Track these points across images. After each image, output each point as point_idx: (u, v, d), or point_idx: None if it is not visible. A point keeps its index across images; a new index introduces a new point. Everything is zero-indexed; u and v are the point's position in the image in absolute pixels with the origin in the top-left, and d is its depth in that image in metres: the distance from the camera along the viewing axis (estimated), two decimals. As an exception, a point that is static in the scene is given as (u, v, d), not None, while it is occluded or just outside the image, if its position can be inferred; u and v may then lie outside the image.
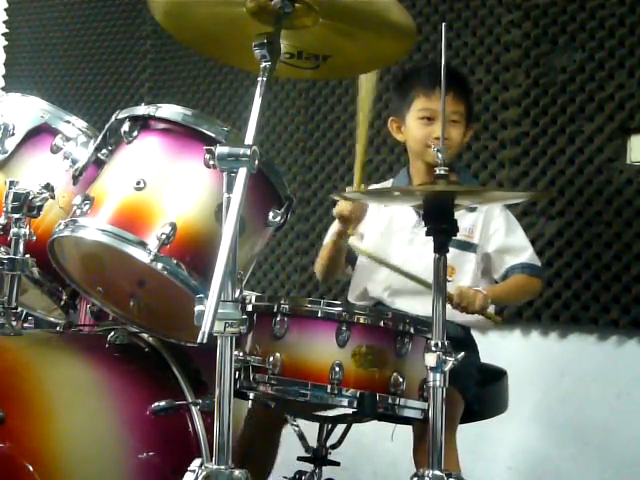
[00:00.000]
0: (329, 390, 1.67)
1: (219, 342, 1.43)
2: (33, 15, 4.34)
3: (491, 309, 2.14)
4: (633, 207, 2.71)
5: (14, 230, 1.83)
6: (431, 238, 1.68)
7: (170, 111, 1.79)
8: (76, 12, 4.21)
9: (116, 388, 1.86)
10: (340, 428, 1.98)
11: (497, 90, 2.97)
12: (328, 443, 1.90)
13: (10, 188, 1.84)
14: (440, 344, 1.62)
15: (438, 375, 1.61)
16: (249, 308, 1.76)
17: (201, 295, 1.37)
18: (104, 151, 1.84)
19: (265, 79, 1.55)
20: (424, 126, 2.25)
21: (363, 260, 2.33)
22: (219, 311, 1.34)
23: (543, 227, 2.84)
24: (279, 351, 1.70)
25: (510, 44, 2.96)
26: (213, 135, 1.74)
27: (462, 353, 1.64)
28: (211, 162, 1.48)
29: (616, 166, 2.76)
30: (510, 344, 2.89)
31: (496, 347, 2.68)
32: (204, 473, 1.43)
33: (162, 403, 1.82)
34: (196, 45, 1.97)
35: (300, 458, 1.96)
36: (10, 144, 1.96)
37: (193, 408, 1.87)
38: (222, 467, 1.42)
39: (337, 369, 1.67)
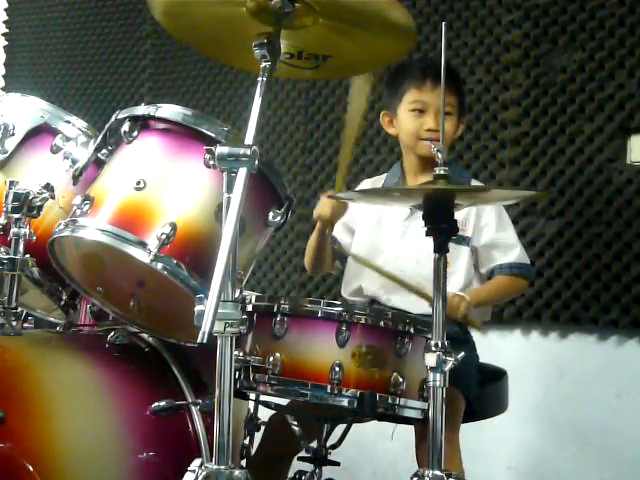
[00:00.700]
0: (329, 390, 1.67)
1: (219, 342, 1.43)
2: (33, 15, 4.34)
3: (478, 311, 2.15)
4: (633, 207, 2.71)
5: (14, 230, 1.83)
6: (423, 231, 1.68)
7: (170, 111, 1.79)
8: (76, 12, 4.21)
9: (116, 388, 1.86)
10: (340, 428, 1.98)
11: (497, 90, 2.97)
12: (328, 443, 1.90)
13: (10, 188, 1.83)
14: (440, 344, 1.62)
15: (438, 375, 1.61)
16: (249, 308, 1.76)
17: (201, 295, 1.37)
18: (104, 151, 1.84)
19: (265, 79, 1.56)
20: (415, 118, 2.25)
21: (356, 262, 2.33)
22: (219, 311, 1.34)
23: (543, 227, 2.84)
24: (279, 351, 1.69)
25: (510, 44, 2.96)
26: (213, 135, 1.74)
27: (462, 353, 1.64)
28: (211, 162, 1.48)
29: (616, 166, 2.76)
30: (510, 344, 2.89)
31: (496, 347, 2.69)
32: (204, 473, 1.43)
33: (162, 403, 1.82)
34: (196, 45, 1.98)
35: (300, 458, 1.97)
36: (10, 144, 1.96)
37: (193, 408, 1.87)
38: (222, 467, 1.42)
39: (337, 369, 1.67)
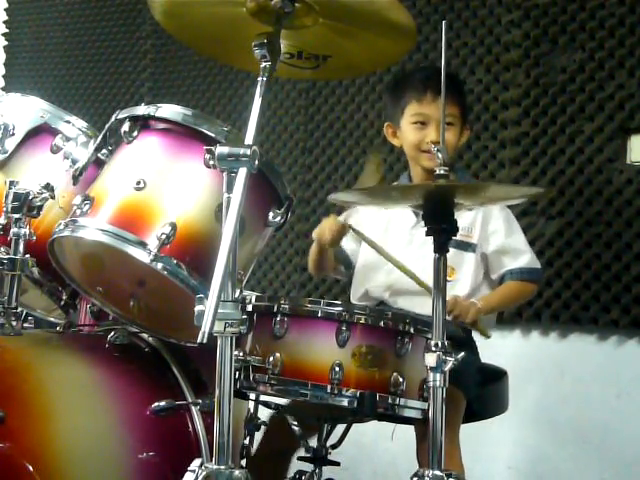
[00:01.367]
0: (329, 390, 1.67)
1: (219, 342, 1.43)
2: (33, 15, 4.34)
3: (487, 319, 2.17)
4: (633, 207, 2.71)
5: (14, 230, 1.83)
6: (430, 239, 1.68)
7: (170, 111, 1.79)
8: (76, 12, 4.21)
9: (116, 388, 1.86)
10: (340, 428, 1.98)
11: (497, 90, 2.97)
12: (328, 443, 1.90)
13: (10, 188, 1.83)
14: (440, 344, 1.62)
15: (438, 375, 1.61)
16: (249, 308, 1.76)
17: (201, 295, 1.37)
18: (104, 151, 1.84)
19: (265, 79, 1.56)
20: (418, 131, 2.26)
21: (363, 262, 2.34)
22: (219, 311, 1.34)
23: (543, 227, 2.84)
24: (279, 351, 1.69)
25: (510, 44, 2.96)
26: (213, 135, 1.74)
27: (462, 353, 1.64)
28: (211, 162, 1.48)
29: (616, 166, 2.76)
30: (510, 344, 2.89)
31: (496, 347, 2.68)
32: (204, 473, 1.43)
33: (162, 403, 1.82)
34: (196, 45, 1.98)
35: (300, 458, 1.96)
36: (10, 144, 1.95)
37: (193, 408, 1.87)
38: (222, 467, 1.42)
39: (337, 369, 1.67)
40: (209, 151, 1.49)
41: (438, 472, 1.61)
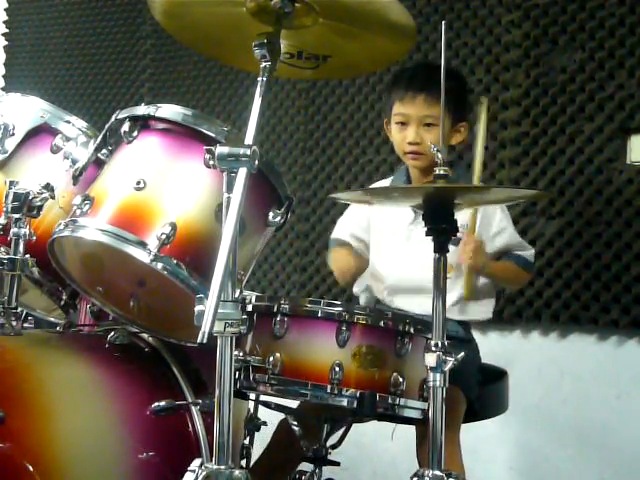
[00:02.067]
0: (329, 390, 1.67)
1: (219, 342, 1.43)
2: (33, 15, 4.34)
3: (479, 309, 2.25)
4: (633, 207, 2.71)
5: (14, 230, 1.82)
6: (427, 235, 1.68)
7: (170, 111, 1.79)
8: (76, 12, 4.20)
9: (116, 388, 1.86)
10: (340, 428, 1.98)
11: (497, 90, 2.97)
12: (328, 443, 1.90)
13: (10, 188, 1.83)
14: (440, 344, 1.62)
15: (438, 375, 1.62)
16: (249, 308, 1.76)
17: (201, 295, 1.37)
18: (104, 151, 1.84)
19: (265, 79, 1.56)
20: (399, 131, 2.27)
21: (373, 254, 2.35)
22: (219, 311, 1.34)
23: (543, 227, 2.84)
24: (279, 351, 1.69)
25: (510, 44, 2.96)
26: (213, 135, 1.74)
27: (462, 353, 1.64)
28: (211, 162, 1.48)
29: (616, 166, 2.76)
30: (510, 344, 2.89)
31: (496, 347, 2.68)
32: (204, 473, 1.43)
33: (162, 403, 1.82)
34: (196, 45, 1.98)
35: (300, 458, 1.96)
36: (10, 144, 1.95)
37: (193, 408, 1.87)
38: (222, 467, 1.42)
39: (337, 369, 1.67)
40: (209, 151, 1.49)
41: (438, 472, 1.61)
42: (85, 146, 1.92)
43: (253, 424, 2.10)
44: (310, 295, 3.28)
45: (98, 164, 1.86)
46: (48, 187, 1.87)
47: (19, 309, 1.87)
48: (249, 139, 1.47)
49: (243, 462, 2.09)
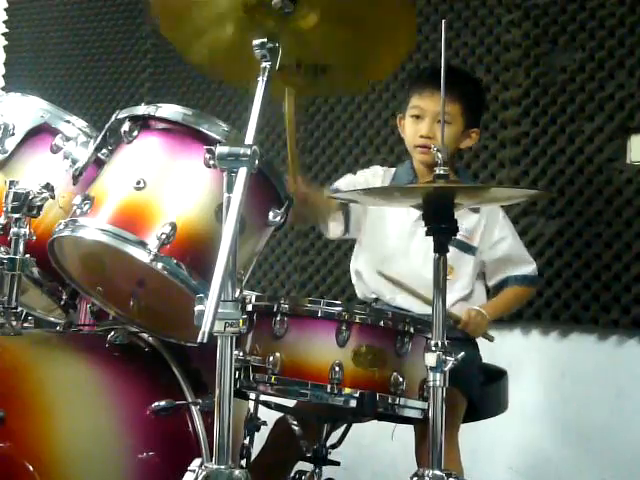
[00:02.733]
0: (329, 390, 1.67)
1: (219, 342, 1.43)
2: (33, 15, 4.34)
3: None
4: (633, 207, 2.71)
5: (14, 230, 1.82)
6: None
7: (170, 111, 1.79)
8: (76, 12, 4.20)
9: (116, 388, 1.86)
10: (340, 428, 1.98)
11: (497, 90, 2.97)
12: (328, 443, 1.90)
13: (10, 188, 1.83)
14: (440, 344, 1.62)
15: (438, 375, 1.62)
16: (249, 308, 1.76)
17: (201, 295, 1.37)
18: (104, 151, 1.84)
19: (265, 79, 1.56)
20: (414, 124, 2.28)
21: (367, 251, 2.34)
22: (219, 311, 1.34)
23: (543, 227, 2.84)
24: (279, 351, 1.69)
25: (510, 44, 2.96)
26: (213, 135, 1.73)
27: (462, 353, 1.64)
28: (211, 162, 1.49)
29: (616, 166, 2.76)
30: (510, 344, 2.89)
31: (496, 347, 2.68)
32: (204, 473, 1.43)
33: (162, 403, 1.82)
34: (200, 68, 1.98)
35: (300, 458, 1.96)
36: (10, 144, 1.95)
37: (193, 408, 1.87)
38: (222, 467, 1.42)
39: (337, 369, 1.67)
40: (209, 151, 1.49)
41: (438, 472, 1.61)
42: (85, 146, 1.92)
43: (253, 424, 2.10)
44: (310, 295, 3.28)
45: (98, 164, 1.86)
46: (48, 187, 1.87)
47: (19, 309, 1.87)
48: (249, 139, 1.47)
49: (243, 462, 2.09)
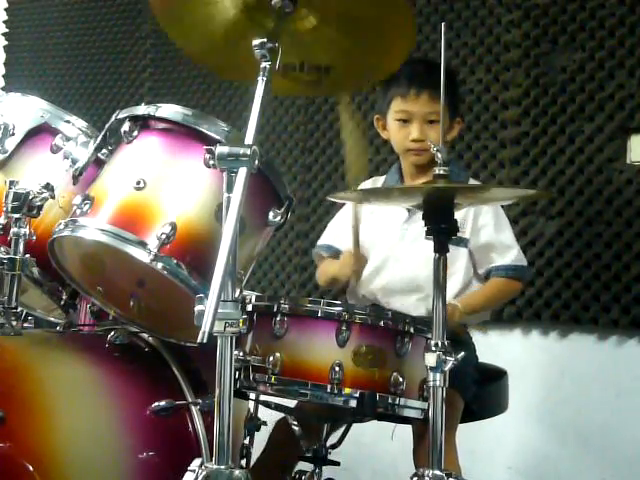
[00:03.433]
0: (329, 390, 1.67)
1: (219, 342, 1.43)
2: (33, 15, 4.34)
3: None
4: (633, 207, 2.71)
5: (14, 230, 1.83)
6: (422, 234, 1.68)
7: (170, 111, 1.79)
8: (76, 12, 4.20)
9: (116, 388, 1.86)
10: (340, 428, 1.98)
11: (497, 90, 2.97)
12: (328, 443, 1.90)
13: (10, 188, 1.83)
14: (440, 344, 1.62)
15: (438, 375, 1.62)
16: (249, 308, 1.76)
17: (201, 295, 1.37)
18: (104, 151, 1.84)
19: (265, 79, 1.56)
20: (401, 128, 2.25)
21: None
22: (219, 311, 1.34)
23: (543, 227, 2.84)
24: (279, 351, 1.69)
25: (510, 44, 2.96)
26: (213, 135, 1.74)
27: (462, 353, 1.64)
28: (211, 162, 1.48)
29: (616, 166, 2.76)
30: (510, 344, 2.89)
31: (496, 347, 2.68)
32: (204, 473, 1.43)
33: (162, 403, 1.82)
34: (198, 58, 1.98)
35: (300, 458, 1.96)
36: (10, 144, 1.95)
37: (193, 408, 1.87)
38: (222, 467, 1.42)
39: (337, 369, 1.67)
40: (209, 151, 1.49)
41: (438, 472, 1.61)
42: (85, 146, 1.92)
43: (253, 424, 2.10)
44: (310, 295, 3.28)
45: (98, 164, 1.86)
46: (48, 187, 1.87)
47: (19, 309, 1.87)
48: (249, 139, 1.47)
49: (243, 462, 2.09)
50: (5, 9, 4.41)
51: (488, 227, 2.25)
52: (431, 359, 1.62)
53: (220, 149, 1.45)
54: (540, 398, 2.85)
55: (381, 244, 2.28)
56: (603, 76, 2.78)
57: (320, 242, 2.42)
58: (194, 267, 1.69)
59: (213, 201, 1.71)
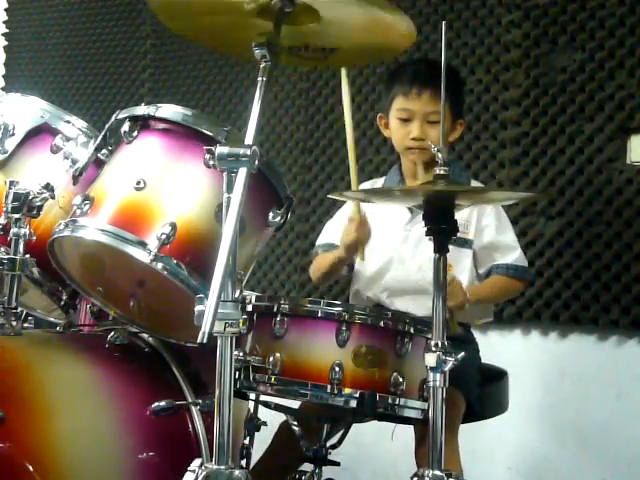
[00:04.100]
0: (329, 390, 1.67)
1: (219, 342, 1.43)
2: (33, 15, 4.33)
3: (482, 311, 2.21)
4: (633, 207, 2.71)
5: (14, 230, 1.82)
6: (424, 235, 1.68)
7: (170, 111, 1.79)
8: (76, 12, 4.20)
9: (116, 388, 1.86)
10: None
11: (497, 90, 2.97)
12: (328, 443, 1.90)
13: (10, 188, 1.83)
14: (440, 344, 1.62)
15: (438, 375, 1.62)
16: (249, 308, 1.76)
17: (201, 295, 1.37)
18: (104, 151, 1.84)
19: (265, 79, 1.56)
20: (402, 126, 2.25)
21: (361, 269, 2.32)
22: (219, 311, 1.34)
23: (543, 227, 2.84)
24: (279, 351, 1.69)
25: (510, 44, 2.96)
26: (213, 135, 1.74)
27: (462, 353, 1.64)
28: (211, 162, 1.48)
29: (616, 166, 2.76)
30: (510, 344, 2.89)
31: (496, 347, 2.68)
32: (204, 473, 1.43)
33: (162, 403, 1.82)
34: (196, 38, 1.96)
35: (300, 458, 1.96)
36: (10, 144, 1.95)
37: (193, 408, 1.87)
38: (222, 467, 1.42)
39: (337, 369, 1.67)
40: (209, 151, 1.49)
41: (438, 472, 1.61)
42: (85, 146, 1.92)
43: (253, 424, 2.10)
44: (310, 295, 3.28)
45: (98, 164, 1.86)
46: (48, 187, 1.87)
47: (19, 309, 1.87)
48: (249, 139, 1.47)
49: (243, 462, 2.09)
50: (5, 9, 4.41)
51: (490, 228, 2.26)
52: (431, 359, 1.62)
53: (220, 149, 1.45)
54: (540, 398, 2.85)
55: (384, 245, 2.27)
56: (603, 76, 2.78)
57: (318, 242, 2.42)
58: (194, 267, 1.69)
59: (213, 201, 1.71)
